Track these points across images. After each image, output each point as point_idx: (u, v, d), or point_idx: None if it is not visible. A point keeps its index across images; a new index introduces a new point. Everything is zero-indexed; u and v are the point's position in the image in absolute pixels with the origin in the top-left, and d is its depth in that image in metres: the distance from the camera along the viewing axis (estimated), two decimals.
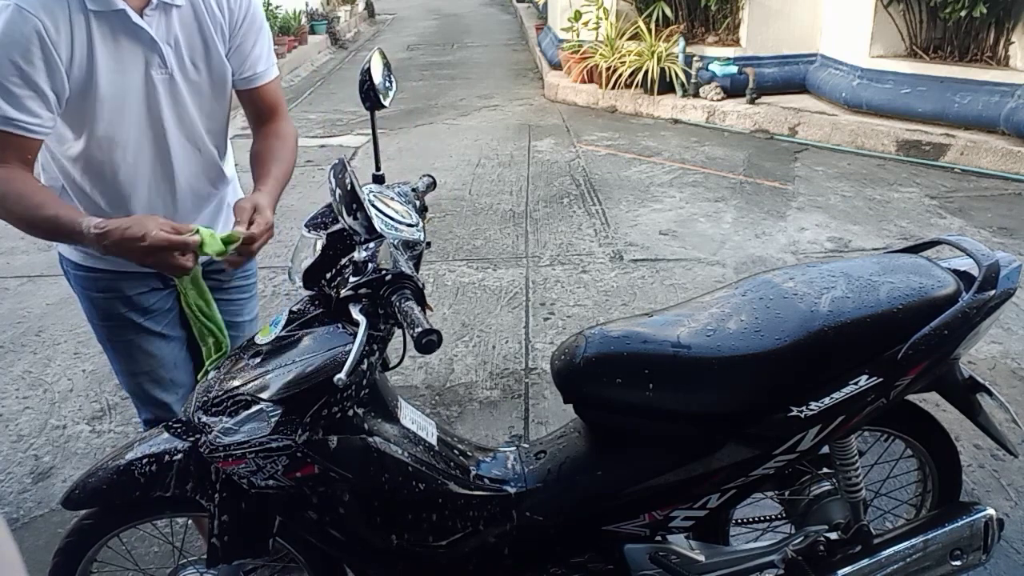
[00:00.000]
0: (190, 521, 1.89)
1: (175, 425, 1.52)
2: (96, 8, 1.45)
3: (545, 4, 11.35)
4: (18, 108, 1.43)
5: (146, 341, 1.75)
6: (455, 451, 1.64)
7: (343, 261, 1.39)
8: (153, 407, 1.79)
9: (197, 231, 1.45)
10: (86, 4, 1.44)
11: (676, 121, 7.18)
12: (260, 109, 1.78)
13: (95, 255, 1.64)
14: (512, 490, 1.59)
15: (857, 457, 1.68)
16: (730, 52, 7.40)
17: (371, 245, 1.35)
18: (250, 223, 1.51)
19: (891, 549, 1.68)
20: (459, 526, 1.55)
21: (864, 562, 1.67)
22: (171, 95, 1.59)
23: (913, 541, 1.68)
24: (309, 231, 1.45)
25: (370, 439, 1.48)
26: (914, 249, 1.78)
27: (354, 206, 1.36)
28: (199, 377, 1.58)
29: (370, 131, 1.64)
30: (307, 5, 12.76)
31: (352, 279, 1.32)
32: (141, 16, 1.50)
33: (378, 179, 1.63)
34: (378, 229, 1.36)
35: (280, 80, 1.84)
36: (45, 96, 1.45)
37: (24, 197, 1.47)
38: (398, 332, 1.47)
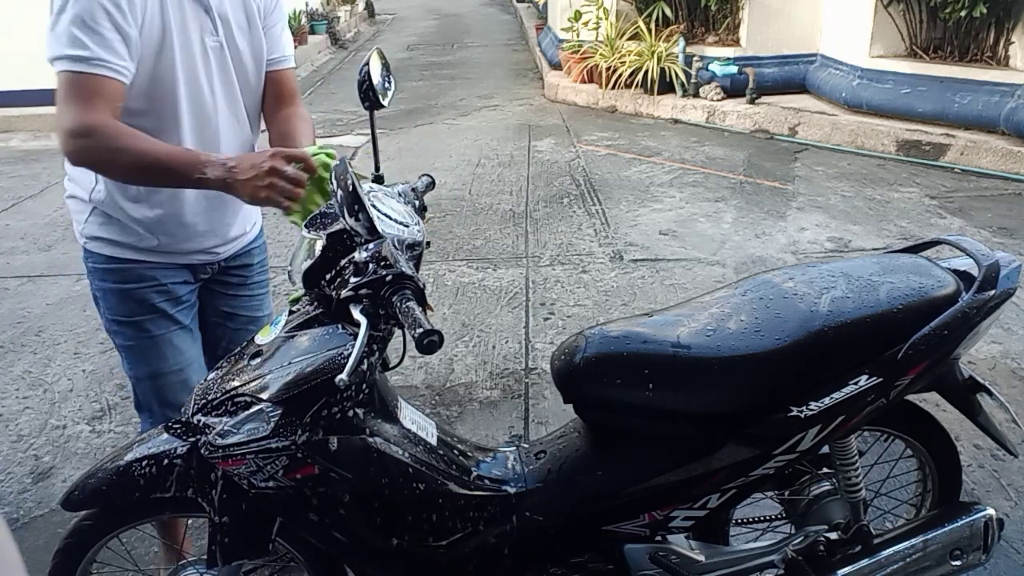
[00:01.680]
0: (191, 521, 1.90)
1: (175, 426, 1.52)
2: None
3: (545, 4, 11.35)
4: (108, 50, 1.44)
5: (176, 336, 1.77)
6: (455, 451, 1.64)
7: (343, 262, 1.39)
8: (171, 411, 1.77)
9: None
10: None
11: (676, 121, 7.18)
12: (280, 92, 1.81)
13: (132, 246, 1.67)
14: (512, 490, 1.59)
15: (857, 457, 1.68)
16: (730, 52, 7.40)
17: (371, 246, 1.35)
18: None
19: (891, 549, 1.68)
20: (459, 526, 1.55)
21: (864, 562, 1.67)
22: (220, 64, 1.63)
23: (913, 541, 1.68)
24: (309, 231, 1.45)
25: (370, 439, 1.48)
26: (914, 249, 1.78)
27: (355, 207, 1.35)
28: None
29: (370, 131, 1.64)
30: (307, 5, 12.75)
31: (353, 280, 1.32)
32: None
33: (378, 179, 1.63)
34: (379, 230, 1.36)
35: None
36: (129, 40, 1.47)
37: (137, 138, 1.48)
38: (397, 332, 1.47)
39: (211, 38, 1.60)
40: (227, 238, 1.81)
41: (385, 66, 1.64)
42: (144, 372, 1.79)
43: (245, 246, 1.89)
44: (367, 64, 1.56)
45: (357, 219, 1.36)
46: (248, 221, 1.88)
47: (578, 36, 8.23)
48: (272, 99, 1.82)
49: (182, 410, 1.51)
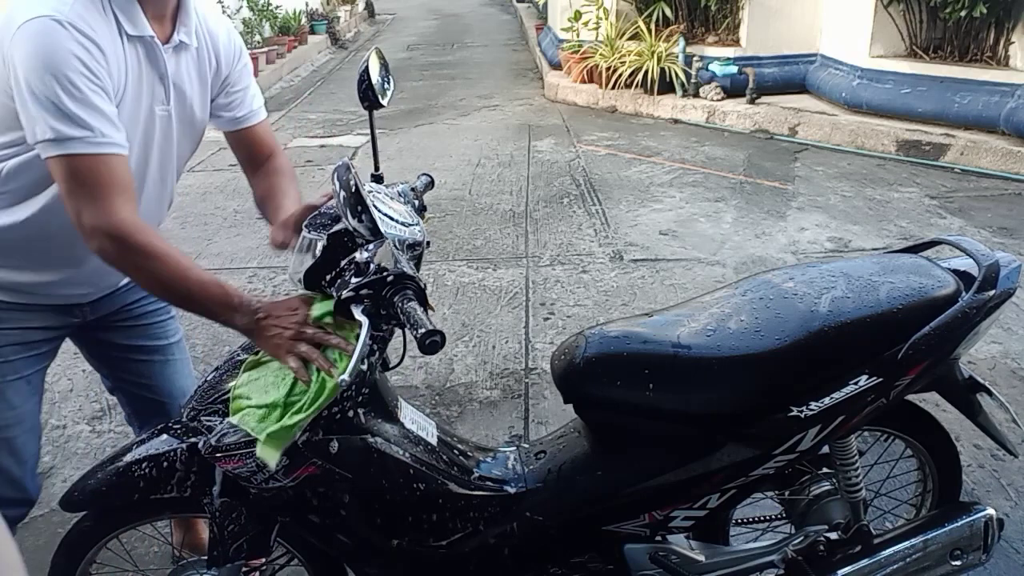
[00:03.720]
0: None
1: (175, 426, 1.52)
2: (134, 33, 1.40)
3: (545, 4, 11.35)
4: (107, 122, 1.32)
5: (10, 387, 1.57)
6: (455, 451, 1.64)
7: (343, 262, 1.39)
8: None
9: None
10: (125, 29, 1.39)
11: (676, 121, 7.18)
12: (256, 149, 1.73)
13: None
14: (512, 490, 1.60)
15: (857, 457, 1.68)
16: (730, 52, 7.40)
17: (372, 246, 1.35)
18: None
19: (891, 549, 1.68)
20: (459, 526, 1.55)
21: (864, 562, 1.67)
22: (164, 132, 1.54)
23: (913, 541, 1.68)
24: (310, 232, 1.45)
25: (371, 439, 1.48)
26: (914, 249, 1.78)
27: (358, 208, 1.35)
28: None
29: (370, 131, 1.64)
30: (307, 5, 12.76)
31: (354, 280, 1.32)
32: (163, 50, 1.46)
33: (377, 179, 1.63)
34: (382, 231, 1.37)
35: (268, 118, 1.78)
36: (113, 103, 1.36)
37: (168, 259, 1.36)
38: (398, 332, 1.47)
39: (161, 107, 1.50)
40: (103, 287, 1.66)
41: (384, 66, 1.64)
42: None
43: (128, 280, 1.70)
44: (366, 64, 1.56)
45: (360, 220, 1.35)
46: None
47: (578, 36, 8.22)
48: (249, 157, 1.73)
49: (181, 410, 1.51)
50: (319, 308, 1.38)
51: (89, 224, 1.33)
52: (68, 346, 3.30)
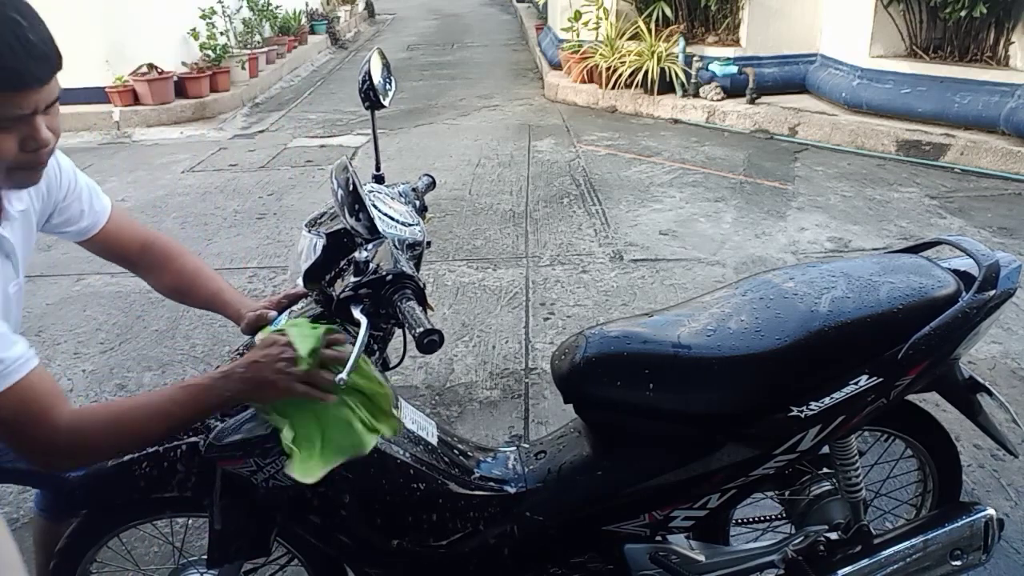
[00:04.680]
0: (191, 521, 1.89)
1: None
2: None
3: (545, 4, 11.35)
4: (8, 340, 1.17)
5: None
6: (455, 451, 1.64)
7: (343, 262, 1.39)
8: None
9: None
10: None
11: (676, 121, 7.18)
12: (123, 246, 1.60)
13: None
14: (512, 490, 1.60)
15: (857, 457, 1.68)
16: (730, 52, 7.41)
17: (371, 245, 1.35)
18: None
19: (891, 549, 1.68)
20: (459, 526, 1.55)
21: (864, 562, 1.67)
22: (17, 300, 1.42)
23: (913, 541, 1.68)
24: (309, 231, 1.45)
25: None
26: (914, 249, 1.78)
27: (356, 207, 1.36)
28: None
29: (370, 131, 1.64)
30: (307, 5, 12.76)
31: (353, 279, 1.32)
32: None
33: (378, 179, 1.63)
34: (380, 230, 1.37)
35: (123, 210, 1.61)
36: None
37: (130, 409, 1.26)
38: (397, 332, 1.47)
39: (13, 284, 1.36)
40: None
41: (386, 66, 1.64)
42: None
43: None
44: (367, 64, 1.56)
45: (358, 219, 1.36)
46: None
47: (578, 36, 8.23)
48: (122, 256, 1.62)
49: None
50: (301, 342, 1.29)
51: (41, 454, 1.21)
52: (67, 347, 3.28)
